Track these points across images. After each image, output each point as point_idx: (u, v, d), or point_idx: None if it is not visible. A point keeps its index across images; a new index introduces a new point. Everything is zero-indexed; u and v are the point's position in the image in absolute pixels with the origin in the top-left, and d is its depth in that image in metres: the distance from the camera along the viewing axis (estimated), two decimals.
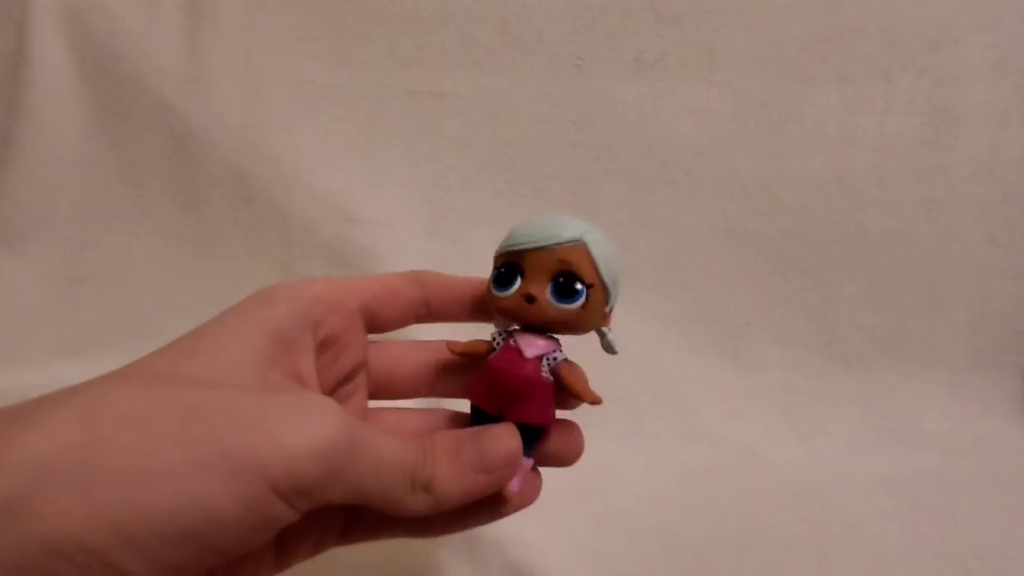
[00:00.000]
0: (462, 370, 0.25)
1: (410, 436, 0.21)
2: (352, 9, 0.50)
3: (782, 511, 0.40)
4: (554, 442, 0.23)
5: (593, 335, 0.23)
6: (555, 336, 0.23)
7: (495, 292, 0.22)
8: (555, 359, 0.22)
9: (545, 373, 0.22)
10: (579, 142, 0.49)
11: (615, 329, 0.23)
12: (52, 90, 0.51)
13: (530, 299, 0.21)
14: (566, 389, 0.22)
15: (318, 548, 0.24)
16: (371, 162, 0.50)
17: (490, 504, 0.22)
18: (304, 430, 0.17)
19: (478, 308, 0.25)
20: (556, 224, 0.22)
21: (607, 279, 0.22)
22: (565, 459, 0.24)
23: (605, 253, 0.22)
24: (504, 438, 0.22)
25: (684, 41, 0.49)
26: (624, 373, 0.46)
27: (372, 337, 0.25)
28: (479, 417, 0.23)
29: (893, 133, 0.49)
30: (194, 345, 0.20)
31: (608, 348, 0.23)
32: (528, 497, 0.23)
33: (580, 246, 0.22)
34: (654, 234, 0.49)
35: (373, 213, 0.49)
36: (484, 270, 0.24)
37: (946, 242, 0.49)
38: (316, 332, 0.22)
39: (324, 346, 0.23)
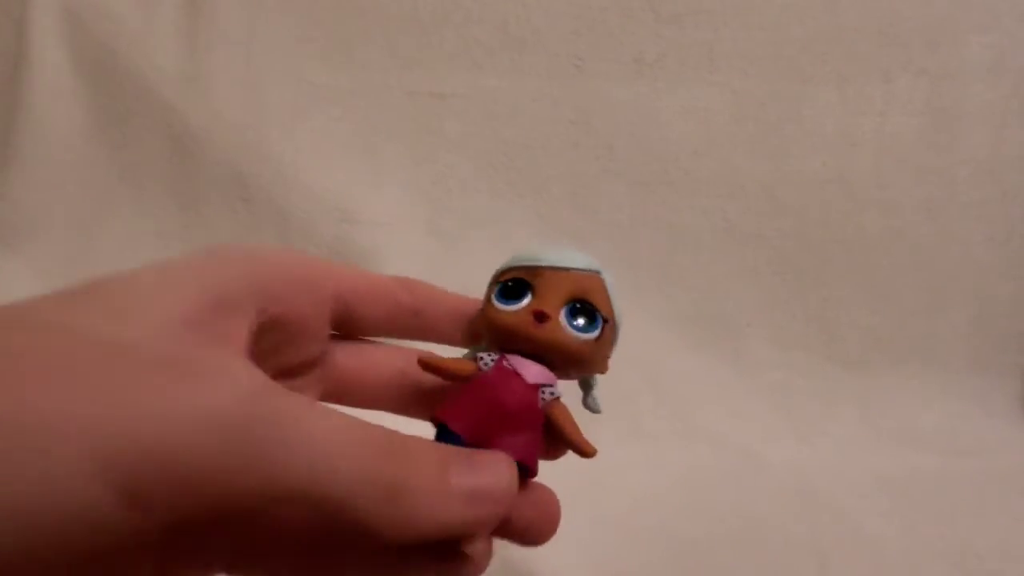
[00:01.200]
0: (443, 392, 0.22)
1: (364, 422, 0.16)
2: (352, 10, 0.50)
3: (781, 511, 0.40)
4: (531, 508, 0.19)
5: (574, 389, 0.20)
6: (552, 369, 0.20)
7: (497, 304, 0.19)
8: (552, 393, 0.19)
9: (541, 407, 0.19)
10: (579, 142, 0.49)
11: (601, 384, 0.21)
12: (51, 90, 0.51)
13: (541, 317, 0.19)
14: (557, 433, 0.19)
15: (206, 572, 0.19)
16: (371, 162, 0.50)
17: (446, 565, 0.18)
18: (169, 400, 0.13)
19: (472, 329, 0.22)
20: (573, 251, 0.20)
21: (618, 320, 0.20)
22: (538, 534, 0.20)
23: (616, 294, 0.20)
24: (503, 467, 0.18)
25: (684, 41, 0.49)
26: (624, 373, 0.46)
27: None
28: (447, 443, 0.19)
29: (892, 133, 0.49)
30: (104, 290, 0.16)
31: (591, 405, 0.21)
32: (483, 564, 0.19)
33: (598, 277, 0.20)
34: (653, 234, 0.49)
35: (372, 213, 0.49)
36: (485, 271, 0.23)
37: (945, 242, 0.49)
38: (268, 303, 0.18)
39: (277, 325, 0.19)
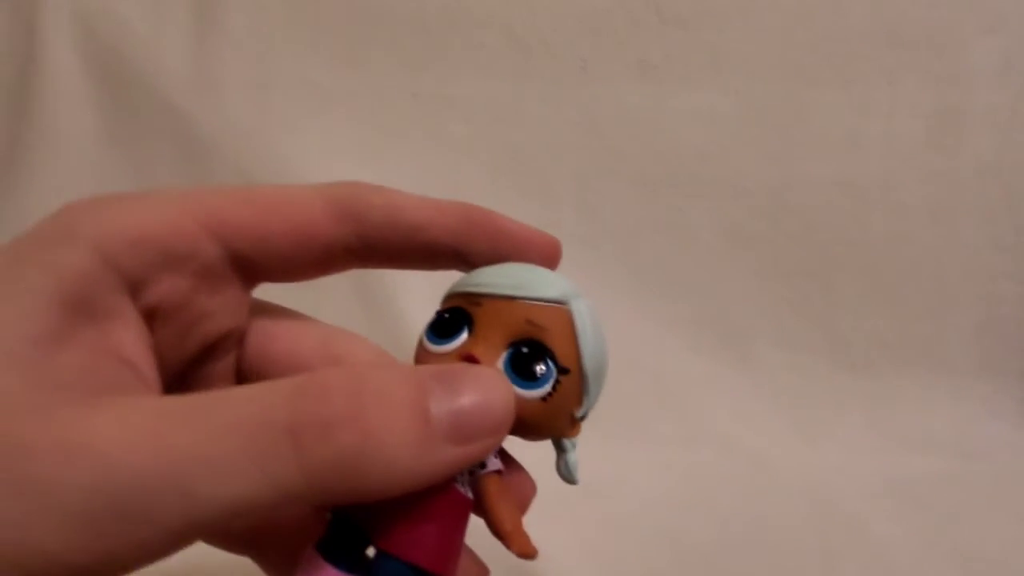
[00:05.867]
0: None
1: (277, 382, 0.12)
2: (358, 13, 0.50)
3: (788, 514, 0.40)
4: None
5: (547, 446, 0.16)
6: None
7: (427, 343, 0.16)
8: (482, 466, 0.15)
9: (462, 486, 0.15)
10: (584, 145, 0.49)
11: (581, 446, 0.16)
12: (61, 93, 0.51)
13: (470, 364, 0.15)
14: (487, 519, 0.15)
15: None
16: (377, 165, 0.50)
17: None
18: (10, 498, 0.11)
19: (441, 251, 0.17)
20: (535, 273, 0.16)
21: (588, 368, 0.15)
22: None
23: (592, 331, 0.15)
24: (493, 382, 0.13)
25: (689, 44, 0.49)
26: (629, 376, 0.46)
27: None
28: (338, 538, 0.14)
29: (899, 136, 0.48)
30: None
31: (565, 473, 0.16)
32: None
33: (562, 311, 0.15)
34: (659, 237, 0.49)
35: None
36: None
37: (952, 245, 0.49)
38: (141, 293, 0.15)
39: (159, 315, 0.15)
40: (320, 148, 0.50)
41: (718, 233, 0.49)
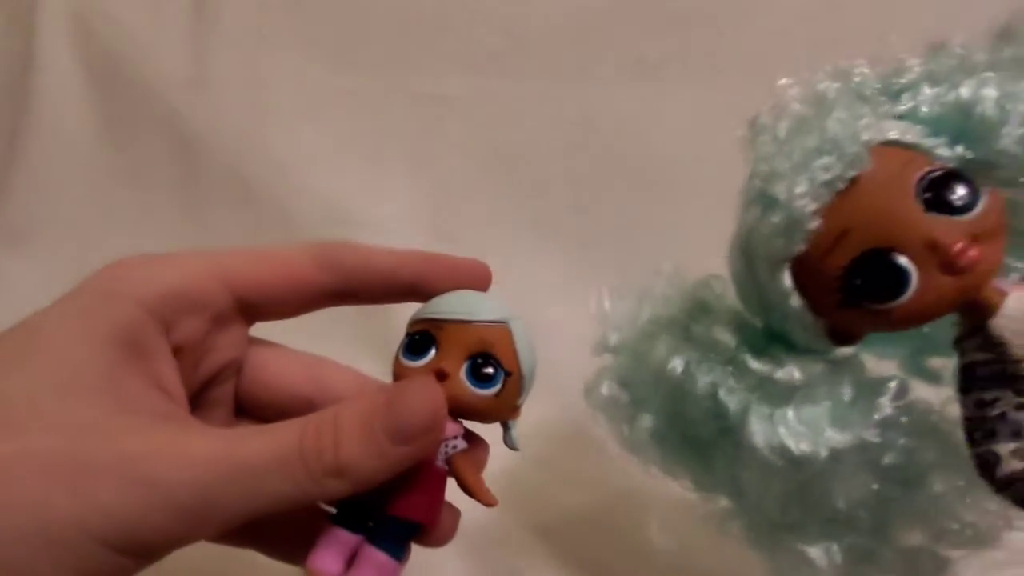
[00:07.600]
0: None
1: (290, 423, 0.18)
2: (355, 13, 0.50)
3: None
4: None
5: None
6: (459, 420, 0.21)
7: (403, 360, 0.20)
8: (454, 447, 0.20)
9: (440, 461, 0.20)
10: (581, 145, 0.49)
11: (521, 425, 0.22)
12: (59, 94, 0.51)
13: (441, 376, 0.19)
14: (459, 483, 0.20)
15: None
16: (373, 165, 0.50)
17: None
18: (135, 492, 0.15)
19: (404, 288, 0.22)
20: (481, 301, 0.21)
21: (525, 370, 0.21)
22: (433, 543, 0.21)
23: (526, 342, 0.21)
24: (420, 395, 0.18)
25: (687, 44, 0.49)
26: None
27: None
28: (346, 513, 0.20)
29: None
30: (23, 347, 0.17)
31: (510, 444, 0.22)
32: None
33: (503, 329, 0.20)
34: (655, 237, 0.49)
35: (375, 215, 0.49)
36: None
37: None
38: (170, 334, 0.19)
39: (180, 352, 0.20)
40: (317, 148, 0.50)
41: (715, 233, 0.49)
